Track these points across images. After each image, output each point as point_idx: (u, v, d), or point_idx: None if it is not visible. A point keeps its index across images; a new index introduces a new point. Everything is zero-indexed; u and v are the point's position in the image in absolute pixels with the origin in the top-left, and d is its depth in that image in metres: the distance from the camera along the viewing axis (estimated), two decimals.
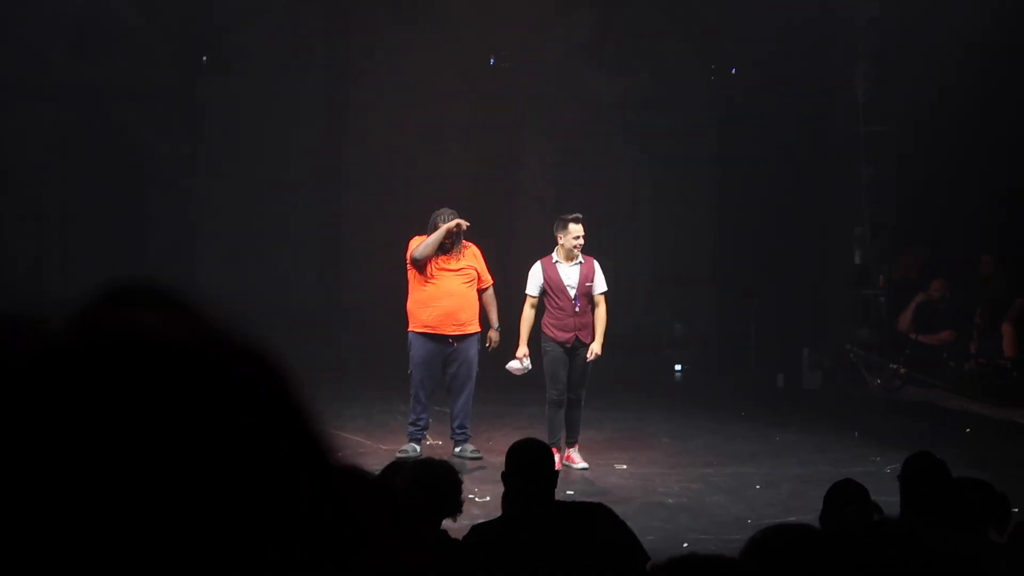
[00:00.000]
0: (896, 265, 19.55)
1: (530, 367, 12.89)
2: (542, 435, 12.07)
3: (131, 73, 19.08)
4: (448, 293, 12.90)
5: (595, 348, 12.74)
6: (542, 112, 21.20)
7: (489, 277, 13.25)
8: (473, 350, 13.07)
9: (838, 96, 19.51)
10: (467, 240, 13.08)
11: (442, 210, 13.01)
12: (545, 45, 20.64)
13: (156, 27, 19.18)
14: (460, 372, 13.05)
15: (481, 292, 13.16)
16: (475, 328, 13.10)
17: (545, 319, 12.80)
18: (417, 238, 13.03)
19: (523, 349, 12.83)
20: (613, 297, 13.07)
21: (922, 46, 18.01)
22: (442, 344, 12.98)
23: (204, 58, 20.29)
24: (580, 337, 12.72)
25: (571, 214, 12.76)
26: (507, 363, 12.95)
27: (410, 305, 13.06)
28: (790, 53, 19.25)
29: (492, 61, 21.44)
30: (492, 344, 13.23)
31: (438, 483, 5.83)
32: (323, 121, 21.04)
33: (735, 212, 20.71)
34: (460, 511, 6.00)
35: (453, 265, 12.94)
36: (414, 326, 13.01)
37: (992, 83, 17.98)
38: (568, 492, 11.31)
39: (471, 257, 13.10)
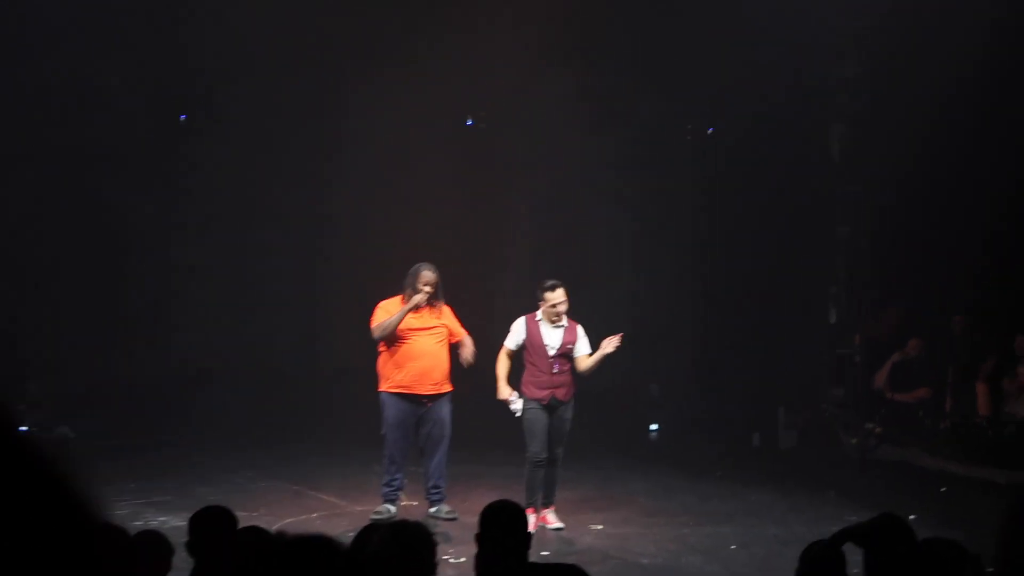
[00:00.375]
0: (871, 324, 19.59)
1: (520, 401, 12.79)
2: (518, 495, 12.10)
3: (108, 133, 19.05)
4: (422, 353, 12.91)
5: (608, 346, 12.61)
6: (520, 172, 21.25)
7: (462, 331, 13.25)
8: (447, 409, 13.07)
9: (814, 155, 19.58)
10: (439, 300, 13.09)
11: (420, 265, 13.03)
12: (523, 105, 20.70)
13: (134, 87, 19.17)
14: (434, 432, 13.03)
15: (456, 344, 13.18)
16: (448, 387, 13.12)
17: (523, 376, 12.82)
18: (383, 304, 13.06)
19: (506, 389, 12.76)
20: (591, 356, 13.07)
21: (897, 106, 18.10)
22: (416, 404, 12.98)
23: (182, 117, 20.30)
24: (556, 395, 12.74)
25: (549, 281, 12.79)
26: (513, 408, 12.85)
27: (381, 365, 13.05)
28: (766, 113, 19.33)
29: (469, 122, 21.51)
30: (467, 354, 13.16)
31: (413, 545, 5.80)
32: (302, 183, 21.07)
33: (712, 272, 20.76)
34: (435, 573, 5.97)
35: (425, 323, 12.95)
36: (387, 386, 12.99)
37: (966, 143, 18.08)
38: (543, 553, 11.28)
39: (444, 316, 13.11)
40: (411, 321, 12.90)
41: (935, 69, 17.34)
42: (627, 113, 20.75)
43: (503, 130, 21.30)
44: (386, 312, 12.97)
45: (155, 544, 6.39)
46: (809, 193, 19.76)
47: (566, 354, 12.75)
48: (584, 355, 12.81)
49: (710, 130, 21.44)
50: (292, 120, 20.86)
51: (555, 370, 12.70)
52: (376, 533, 5.90)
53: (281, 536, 3.07)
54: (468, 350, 13.17)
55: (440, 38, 19.37)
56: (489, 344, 14.14)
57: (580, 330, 12.87)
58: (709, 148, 21.25)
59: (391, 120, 20.07)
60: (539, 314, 12.79)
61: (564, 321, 12.74)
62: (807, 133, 19.72)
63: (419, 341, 12.93)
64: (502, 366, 12.86)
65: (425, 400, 12.98)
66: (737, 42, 18.88)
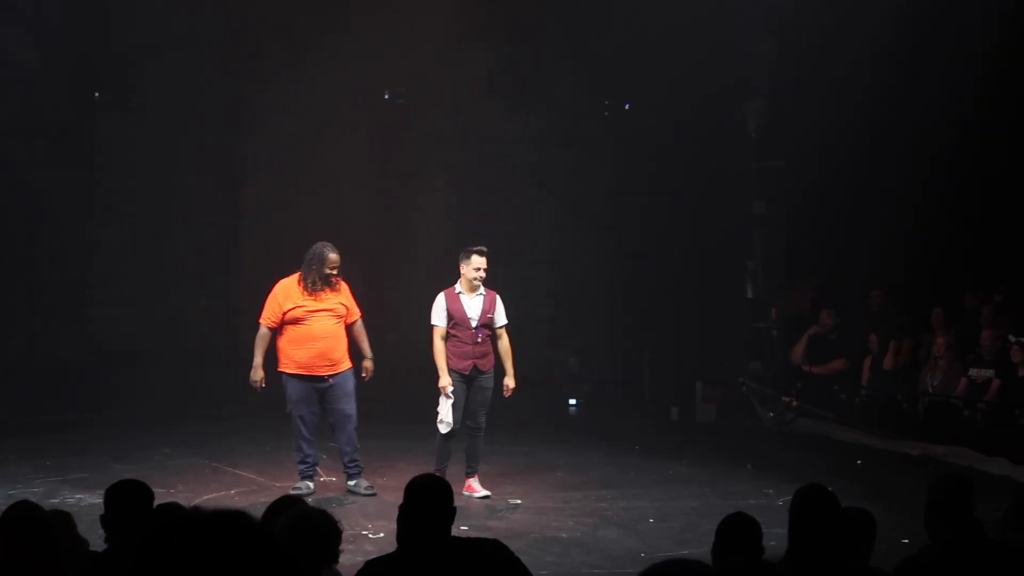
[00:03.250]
0: (787, 299, 19.73)
1: (453, 399, 12.84)
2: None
3: (24, 110, 18.84)
4: (321, 335, 12.92)
5: (509, 383, 13.04)
6: (439, 147, 21.26)
7: (358, 311, 13.28)
8: (350, 384, 13.08)
9: (731, 132, 19.64)
10: (339, 277, 13.05)
11: (322, 246, 13.00)
12: (442, 81, 20.67)
13: (49, 63, 18.95)
14: (340, 407, 13.04)
15: (351, 326, 13.19)
16: (347, 364, 13.14)
17: (446, 349, 12.85)
18: (281, 285, 13.03)
19: (446, 379, 12.79)
20: (512, 332, 13.14)
21: (814, 84, 18.22)
22: (317, 381, 12.95)
23: (97, 94, 20.10)
24: (479, 365, 12.92)
25: (476, 246, 12.92)
26: (438, 409, 12.86)
27: (281, 344, 13.02)
28: (684, 89, 19.37)
29: (387, 95, 21.45)
30: (368, 374, 13.24)
31: (316, 533, 5.80)
32: (220, 158, 20.95)
33: (629, 246, 20.83)
34: (336, 561, 5.98)
35: (324, 304, 12.93)
36: (286, 366, 12.97)
37: (883, 119, 18.23)
38: (462, 528, 11.28)
39: (342, 294, 13.08)
40: (308, 303, 12.90)
41: (853, 45, 17.47)
42: (545, 89, 20.78)
43: (421, 105, 21.27)
44: (285, 295, 12.93)
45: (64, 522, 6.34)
46: (726, 168, 19.83)
47: (487, 324, 12.95)
48: (501, 327, 12.99)
49: (627, 105, 21.47)
50: (208, 95, 20.71)
51: (479, 339, 12.89)
52: (280, 518, 5.89)
53: (196, 511, 3.04)
54: (369, 365, 13.27)
55: (360, 14, 19.32)
56: (406, 316, 14.16)
57: (498, 298, 13.06)
58: (626, 124, 21.27)
59: (308, 96, 20.03)
60: (458, 286, 12.92)
61: (482, 289, 12.85)
62: (724, 109, 19.77)
63: (316, 323, 12.92)
64: (440, 354, 12.87)
65: (326, 378, 12.96)
66: (654, 18, 18.93)
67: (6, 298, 19.10)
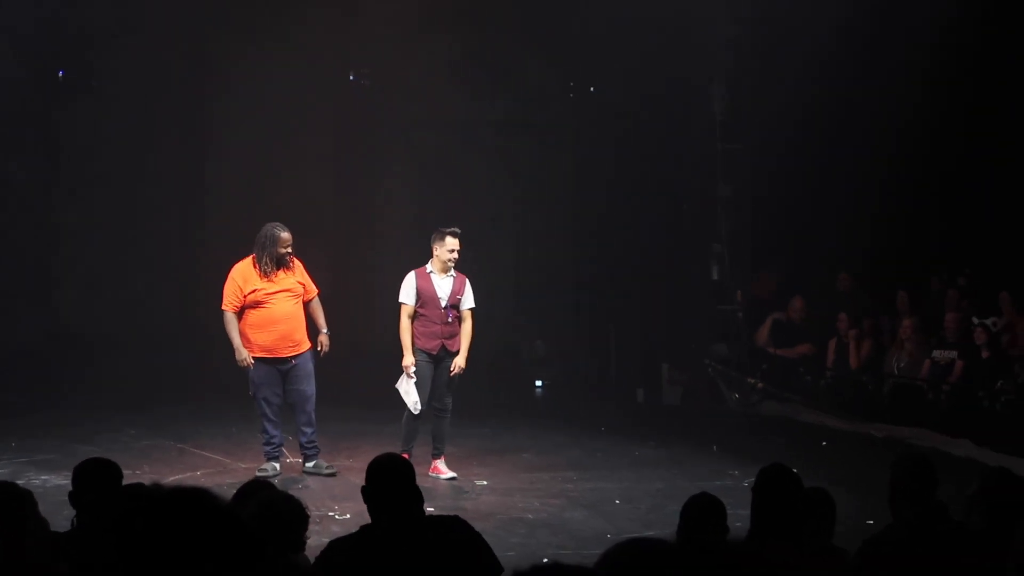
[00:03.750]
0: (753, 283, 19.78)
1: (415, 378, 12.88)
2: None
3: None
4: (282, 317, 12.91)
5: (459, 362, 13.04)
6: (403, 131, 21.21)
7: (314, 288, 13.28)
8: (310, 365, 13.11)
9: (695, 114, 19.65)
10: (292, 255, 13.03)
11: (273, 227, 12.97)
12: (406, 64, 20.62)
13: (10, 45, 18.84)
14: (299, 387, 13.06)
15: (308, 303, 13.19)
16: (307, 345, 13.15)
17: (414, 327, 12.94)
18: (237, 268, 13.02)
19: (409, 358, 12.84)
20: (477, 315, 13.18)
21: (778, 66, 18.25)
22: (281, 364, 12.95)
23: (60, 73, 19.99)
24: (447, 346, 13.00)
25: (450, 227, 13.02)
26: (398, 384, 12.91)
27: (243, 328, 12.99)
28: (648, 72, 19.34)
29: (352, 77, 21.41)
30: (323, 348, 13.25)
31: (283, 519, 5.81)
32: (183, 141, 20.89)
33: (594, 229, 20.81)
34: (303, 548, 6.00)
35: (282, 284, 12.92)
36: (250, 350, 12.94)
37: (847, 103, 18.30)
38: (429, 509, 11.29)
39: (297, 272, 13.08)
40: (266, 285, 12.89)
41: (817, 28, 17.50)
42: (509, 72, 20.74)
43: (385, 88, 21.23)
44: (243, 279, 12.91)
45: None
46: (692, 151, 19.84)
47: (455, 304, 13.03)
48: (468, 309, 13.06)
49: (592, 89, 21.47)
50: (171, 77, 20.63)
51: (450, 319, 12.98)
52: (250, 502, 5.90)
53: (157, 488, 3.05)
54: (324, 340, 13.27)
55: None
56: (368, 300, 14.17)
57: (467, 281, 13.14)
58: (591, 107, 21.27)
59: (273, 78, 19.95)
60: (429, 266, 13.00)
61: (453, 272, 12.91)
62: (690, 92, 19.77)
63: (277, 305, 12.90)
64: (405, 331, 12.94)
65: (289, 359, 12.97)
66: (621, 2, 18.92)
67: None
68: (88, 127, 19.95)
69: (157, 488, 3.07)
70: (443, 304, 12.93)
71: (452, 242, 12.89)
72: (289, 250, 12.93)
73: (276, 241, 12.87)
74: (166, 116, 20.61)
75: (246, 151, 20.29)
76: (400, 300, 13.00)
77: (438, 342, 12.93)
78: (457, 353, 13.03)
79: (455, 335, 13.03)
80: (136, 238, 20.42)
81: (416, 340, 12.92)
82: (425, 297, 12.91)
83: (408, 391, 12.83)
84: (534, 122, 21.23)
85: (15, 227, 19.79)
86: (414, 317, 12.95)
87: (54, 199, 20.23)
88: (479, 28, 20.27)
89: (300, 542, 5.92)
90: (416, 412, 12.84)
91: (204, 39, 20.60)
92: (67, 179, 20.19)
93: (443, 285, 12.96)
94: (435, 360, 12.97)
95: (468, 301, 13.11)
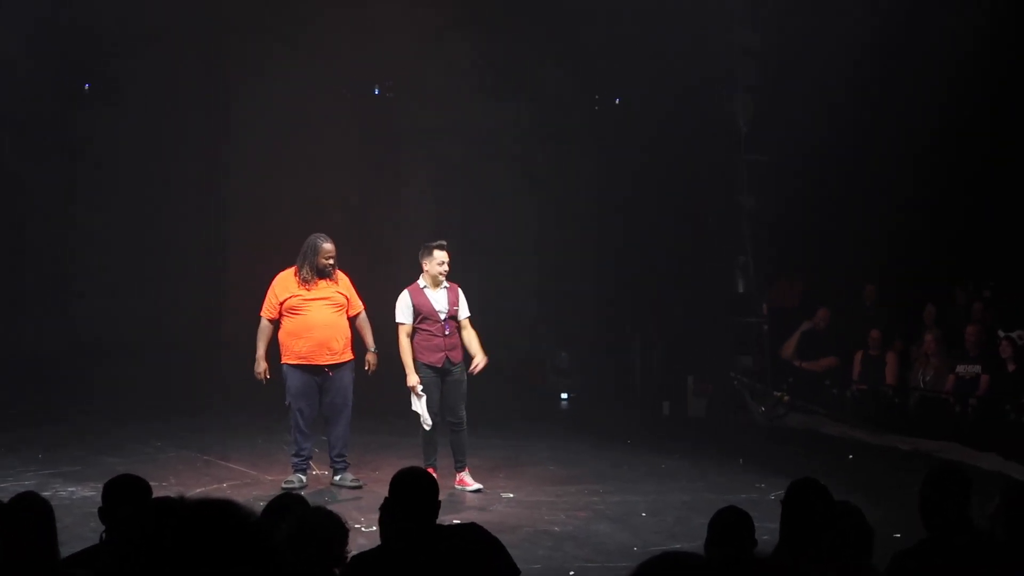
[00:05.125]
0: (774, 292, 19.73)
1: (424, 396, 12.89)
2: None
3: (8, 102, 18.82)
4: (320, 324, 12.90)
5: (480, 360, 13.07)
6: (425, 140, 21.21)
7: (360, 303, 13.28)
8: (348, 378, 13.08)
9: (720, 126, 19.61)
10: (339, 268, 13.09)
11: (316, 238, 13.02)
12: (429, 73, 20.64)
13: (33, 55, 18.91)
14: (336, 400, 13.05)
15: (353, 318, 13.18)
16: (349, 356, 13.12)
17: (415, 342, 13.01)
18: (280, 278, 13.05)
19: (414, 377, 12.86)
20: (498, 325, 13.27)
21: (802, 77, 18.21)
22: (318, 374, 12.96)
23: (87, 85, 20.05)
24: (450, 357, 13.02)
25: (435, 241, 13.12)
26: (413, 407, 12.93)
27: (282, 336, 13.02)
28: (672, 83, 19.34)
29: (376, 90, 21.43)
30: (371, 367, 13.25)
31: (322, 534, 5.81)
32: (205, 150, 20.90)
33: (618, 239, 20.79)
34: (345, 562, 5.99)
35: (321, 293, 12.94)
36: (288, 357, 12.97)
37: (871, 114, 18.25)
38: (454, 520, 11.28)
39: (341, 285, 13.10)
40: (304, 292, 12.91)
41: (840, 38, 17.48)
42: (530, 82, 20.76)
43: (406, 98, 21.25)
44: (281, 287, 12.96)
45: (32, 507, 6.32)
46: (715, 162, 19.79)
47: (453, 316, 13.07)
48: (466, 318, 13.14)
49: (617, 100, 21.45)
50: (192, 87, 20.67)
51: (448, 332, 12.99)
52: (286, 518, 5.89)
53: (182, 500, 3.05)
54: (372, 358, 13.30)
55: (344, 5, 19.31)
56: (389, 311, 14.19)
57: (460, 291, 13.20)
58: (613, 117, 21.26)
59: (292, 88, 19.98)
60: (421, 280, 13.06)
61: (445, 283, 13.01)
62: (713, 103, 19.74)
63: (313, 312, 12.92)
64: (406, 351, 12.97)
65: (327, 369, 12.97)
66: (642, 11, 18.91)
67: None
68: (109, 134, 19.99)
69: (183, 501, 3.07)
70: (442, 317, 12.97)
71: (440, 255, 12.96)
72: (331, 261, 12.95)
73: (317, 251, 12.91)
74: (186, 124, 20.61)
75: (267, 160, 20.30)
76: (397, 320, 13.02)
77: (441, 354, 12.94)
78: (460, 364, 13.06)
79: (456, 346, 13.06)
80: (158, 246, 20.43)
81: (419, 355, 12.93)
82: (423, 311, 12.95)
83: (420, 411, 12.86)
84: (556, 131, 21.23)
85: (37, 235, 19.87)
86: (414, 333, 12.97)
87: (75, 207, 20.26)
88: (500, 37, 20.28)
89: (341, 557, 5.91)
90: (428, 428, 12.85)
91: (225, 47, 20.63)
92: (88, 187, 20.23)
93: (438, 298, 13.00)
94: (441, 373, 12.98)
95: (464, 310, 13.15)
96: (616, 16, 19.39)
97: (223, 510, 3.02)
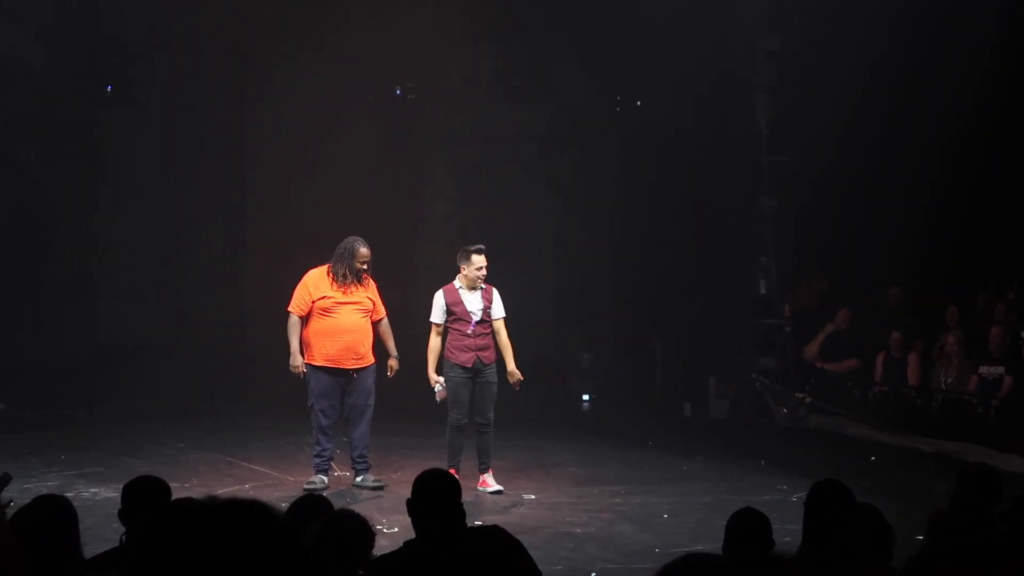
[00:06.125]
0: (796, 293, 19.70)
1: (442, 388, 12.93)
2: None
3: (30, 107, 18.89)
4: (348, 328, 12.94)
5: (515, 372, 13.11)
6: (446, 143, 21.22)
7: (383, 310, 13.33)
8: (370, 380, 13.13)
9: (740, 127, 19.58)
10: (368, 274, 13.12)
11: (353, 240, 13.06)
12: (451, 77, 20.66)
13: (55, 60, 18.99)
14: (358, 402, 13.08)
15: (377, 323, 13.22)
16: (372, 360, 13.16)
17: (447, 342, 13.00)
18: (310, 275, 13.09)
19: (433, 376, 12.89)
20: (520, 328, 13.21)
21: (823, 77, 18.18)
22: (342, 376, 13.00)
23: (109, 88, 20.10)
24: (481, 358, 13.00)
25: (474, 245, 13.05)
26: (438, 399, 13.00)
27: (308, 336, 13.04)
28: (693, 85, 19.32)
29: (398, 91, 21.44)
30: (392, 372, 13.28)
31: (348, 536, 5.83)
32: (227, 153, 20.93)
33: (638, 241, 20.78)
34: (367, 563, 6.00)
35: (352, 297, 12.97)
36: (313, 358, 12.99)
37: (892, 114, 18.21)
38: (476, 522, 11.28)
39: (370, 290, 13.14)
40: (336, 294, 12.95)
41: (862, 39, 17.45)
42: (551, 85, 20.77)
43: (428, 101, 21.25)
44: (315, 285, 13.00)
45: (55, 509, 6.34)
46: (736, 164, 19.76)
47: (486, 318, 13.04)
48: (500, 319, 13.10)
49: (639, 103, 21.44)
50: (213, 91, 20.71)
51: (480, 333, 12.97)
52: (311, 519, 5.91)
53: (212, 500, 3.05)
54: (394, 364, 13.33)
55: (366, 8, 19.33)
56: (409, 313, 14.18)
57: (495, 291, 13.17)
58: (633, 119, 21.25)
59: (314, 91, 19.99)
60: (457, 281, 13.04)
61: (481, 284, 12.96)
62: (734, 104, 19.71)
63: (344, 315, 12.96)
64: (432, 351, 13.02)
65: (352, 373, 13.01)
66: (663, 13, 18.91)
67: (13, 293, 19.15)
68: (131, 137, 20.03)
69: (210, 500, 3.07)
70: (476, 319, 12.96)
71: (479, 259, 12.93)
72: (366, 266, 13.00)
73: (354, 255, 12.96)
74: (208, 127, 20.65)
75: (288, 163, 20.32)
76: (431, 320, 13.05)
77: (472, 355, 12.94)
78: (492, 365, 13.06)
79: (489, 347, 13.05)
80: (180, 248, 20.48)
81: (451, 355, 12.95)
82: (457, 312, 12.95)
83: (441, 397, 12.93)
84: (577, 133, 21.23)
85: (59, 238, 19.92)
86: (445, 333, 12.99)
87: (97, 209, 20.30)
88: (522, 39, 20.29)
89: (366, 558, 5.93)
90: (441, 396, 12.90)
91: (246, 50, 20.69)
92: (110, 189, 20.27)
93: (472, 300, 12.99)
94: (472, 374, 12.98)
95: (499, 310, 13.12)
96: (637, 18, 19.39)
97: (253, 510, 3.03)
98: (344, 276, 12.95)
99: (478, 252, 12.95)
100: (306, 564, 3.08)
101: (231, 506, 3.00)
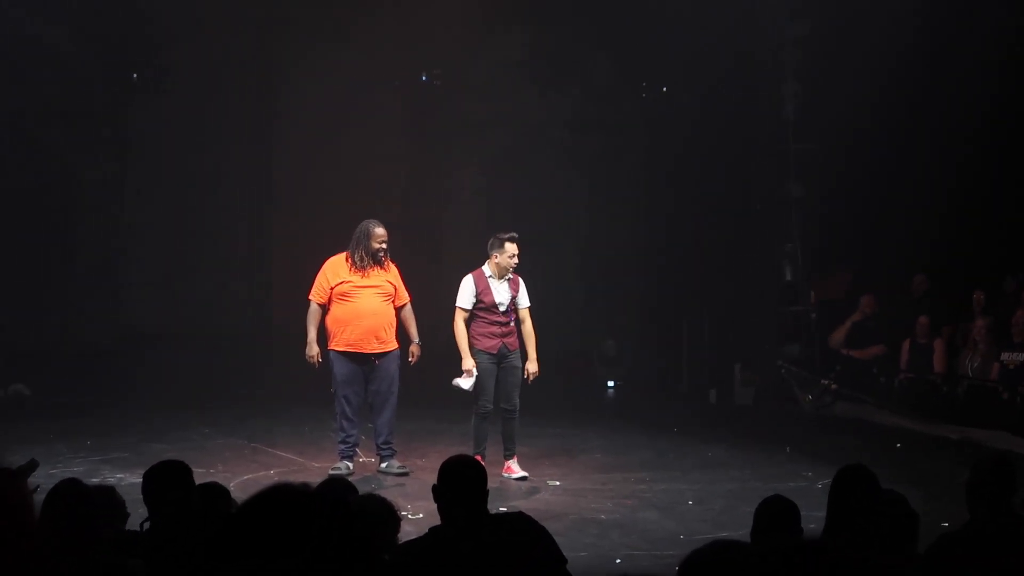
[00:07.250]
0: (824, 283, 19.65)
1: (472, 380, 12.89)
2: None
3: (58, 93, 18.95)
4: (369, 312, 12.90)
5: (532, 368, 13.05)
6: (473, 129, 21.21)
7: (406, 295, 13.28)
8: (394, 366, 13.10)
9: (767, 114, 19.55)
10: (388, 256, 13.08)
11: (369, 223, 13.03)
12: (477, 63, 20.65)
13: (83, 46, 19.03)
14: (382, 388, 13.05)
15: (399, 309, 13.19)
16: (395, 345, 13.13)
17: (472, 329, 12.94)
18: (330, 262, 13.07)
19: (469, 361, 12.83)
20: (545, 315, 13.20)
21: (850, 64, 18.12)
22: (364, 362, 12.97)
23: (135, 75, 20.14)
24: (507, 344, 12.96)
25: (507, 233, 12.96)
26: (454, 380, 12.92)
27: (329, 323, 13.03)
28: (719, 71, 19.28)
29: (424, 78, 21.44)
30: (414, 358, 13.24)
31: (374, 520, 5.84)
32: (253, 140, 20.97)
33: (666, 229, 20.77)
34: (393, 548, 6.01)
35: (372, 280, 12.94)
36: (335, 344, 12.98)
37: (920, 101, 18.14)
38: (501, 508, 11.28)
39: (391, 274, 13.11)
40: (355, 278, 12.92)
41: (889, 25, 17.37)
42: (578, 71, 20.74)
43: (454, 87, 21.24)
44: (332, 271, 12.99)
45: (109, 499, 6.40)
46: (763, 151, 19.74)
47: (513, 307, 13.03)
48: (525, 308, 13.08)
49: (664, 89, 21.41)
50: (240, 78, 20.75)
51: (506, 321, 12.94)
52: (340, 509, 5.92)
53: (306, 486, 3.09)
54: (416, 350, 13.29)
55: None
56: (438, 301, 14.15)
57: (522, 282, 13.13)
58: (662, 107, 21.21)
59: (341, 78, 19.99)
60: (486, 268, 12.97)
61: (509, 273, 12.92)
62: (761, 91, 19.67)
63: (363, 299, 12.92)
64: (462, 336, 12.92)
65: (373, 357, 12.99)
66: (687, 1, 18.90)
67: (40, 281, 19.23)
68: (157, 124, 20.07)
69: (303, 485, 3.12)
70: (503, 308, 12.93)
71: (512, 247, 12.85)
72: (384, 246, 12.95)
73: (370, 236, 12.91)
74: (235, 114, 20.69)
75: (315, 150, 20.35)
76: (457, 304, 12.97)
77: (498, 341, 12.91)
78: (517, 351, 13.03)
79: (513, 333, 13.01)
80: (205, 237, 20.55)
81: (476, 341, 12.90)
82: (485, 300, 12.90)
83: (462, 387, 12.84)
84: (604, 120, 21.21)
85: (85, 225, 19.99)
86: (471, 319, 12.95)
87: (124, 198, 20.36)
88: (548, 26, 20.27)
89: (393, 543, 5.94)
90: (466, 388, 12.85)
91: (272, 38, 20.70)
92: (137, 176, 20.33)
93: (500, 289, 12.94)
94: (497, 360, 12.94)
95: (524, 300, 13.09)
96: (662, 4, 19.35)
97: (296, 492, 3.06)
98: (362, 259, 12.91)
99: (511, 240, 12.88)
100: (346, 546, 3.12)
101: (280, 490, 3.03)
